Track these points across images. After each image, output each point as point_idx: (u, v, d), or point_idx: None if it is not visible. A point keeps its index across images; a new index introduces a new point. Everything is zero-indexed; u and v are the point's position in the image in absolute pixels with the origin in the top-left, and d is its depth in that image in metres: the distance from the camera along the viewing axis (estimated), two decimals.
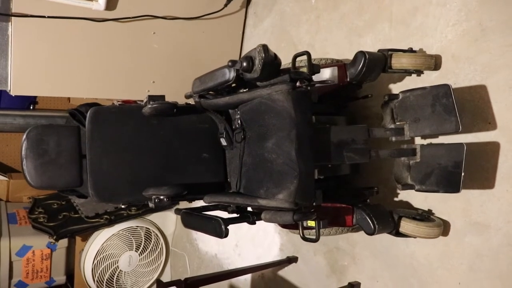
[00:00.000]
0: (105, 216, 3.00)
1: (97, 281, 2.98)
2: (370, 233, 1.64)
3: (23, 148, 1.54)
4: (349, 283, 2.04)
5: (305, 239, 1.61)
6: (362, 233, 1.97)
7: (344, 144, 1.60)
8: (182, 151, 1.73)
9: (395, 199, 1.92)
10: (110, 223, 3.00)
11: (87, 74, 2.26)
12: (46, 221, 2.88)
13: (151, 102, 1.60)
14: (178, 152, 1.72)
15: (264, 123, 1.54)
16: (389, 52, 1.74)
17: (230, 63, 1.44)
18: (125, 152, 1.65)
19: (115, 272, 3.05)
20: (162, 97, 1.64)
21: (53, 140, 1.58)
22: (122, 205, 1.66)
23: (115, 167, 1.63)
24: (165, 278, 3.32)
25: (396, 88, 1.92)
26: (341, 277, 2.13)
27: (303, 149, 1.45)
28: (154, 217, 3.25)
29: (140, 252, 3.12)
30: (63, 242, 2.97)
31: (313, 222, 1.55)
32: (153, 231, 3.16)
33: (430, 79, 1.79)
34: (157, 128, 1.69)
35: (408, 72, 1.78)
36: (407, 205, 1.89)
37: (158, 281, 2.00)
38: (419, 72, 1.80)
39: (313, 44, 2.30)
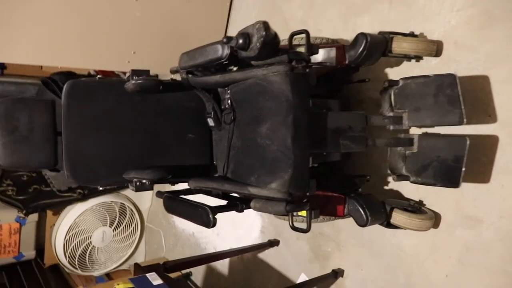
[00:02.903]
0: (78, 191, 2.84)
1: (69, 256, 2.84)
2: (363, 224, 1.56)
3: None
4: (333, 270, 1.98)
5: (294, 228, 1.52)
6: (347, 219, 1.90)
7: (341, 131, 1.50)
8: (166, 130, 1.59)
9: (385, 187, 1.85)
10: (84, 197, 2.85)
11: (62, 41, 2.06)
12: (15, 194, 2.71)
13: (134, 77, 1.45)
14: (162, 132, 1.58)
15: (258, 105, 1.41)
16: (390, 35, 1.63)
17: (225, 40, 1.30)
18: (104, 130, 1.50)
19: (88, 247, 2.92)
20: (147, 72, 1.48)
21: (24, 115, 1.41)
22: (101, 187, 1.52)
23: (93, 147, 1.48)
24: (139, 255, 3.22)
25: (393, 73, 1.82)
26: (324, 263, 2.07)
27: (300, 136, 1.34)
28: (130, 192, 3.11)
29: (114, 228, 2.99)
30: (33, 216, 2.81)
31: (305, 211, 1.46)
32: (128, 207, 3.02)
33: (429, 65, 1.70)
34: (140, 105, 1.54)
35: (408, 57, 1.68)
36: (398, 194, 1.82)
37: (135, 265, 1.89)
38: (418, 58, 1.70)
39: (305, 21, 2.16)
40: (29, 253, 2.94)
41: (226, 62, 1.40)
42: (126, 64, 2.23)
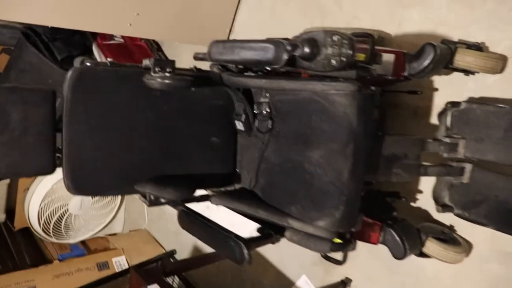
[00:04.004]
0: (57, 154, 2.49)
1: (43, 224, 2.54)
2: (400, 258, 1.37)
3: None
4: (342, 281, 1.81)
5: (328, 258, 1.32)
6: None
7: (396, 158, 1.27)
8: (187, 132, 1.30)
9: (412, 204, 1.66)
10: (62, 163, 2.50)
11: None
12: None
13: (158, 72, 1.13)
14: (182, 134, 1.29)
15: (309, 124, 1.14)
16: (455, 46, 1.36)
17: (289, 47, 0.99)
18: (115, 131, 1.19)
19: (64, 215, 2.62)
20: (172, 63, 1.16)
21: (17, 110, 1.07)
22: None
23: (101, 151, 1.17)
24: (118, 223, 2.95)
25: (441, 83, 1.56)
26: (330, 268, 1.90)
27: (357, 169, 1.10)
28: None
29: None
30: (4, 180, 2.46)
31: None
32: None
33: (487, 81, 1.46)
34: (158, 102, 1.23)
35: (467, 72, 1.43)
36: (425, 214, 1.63)
37: (133, 268, 1.64)
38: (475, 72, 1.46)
39: (341, 3, 1.84)
40: None
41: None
42: (127, 27, 1.84)
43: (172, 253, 2.52)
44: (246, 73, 1.23)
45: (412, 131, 1.62)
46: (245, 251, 1.11)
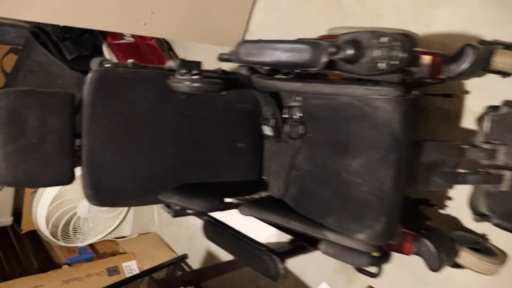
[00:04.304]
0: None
1: (51, 227, 2.45)
2: (435, 270, 1.29)
3: None
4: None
5: (361, 270, 1.24)
6: None
7: (434, 166, 1.18)
8: (213, 138, 1.21)
9: (441, 211, 1.57)
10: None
11: None
12: None
13: (185, 74, 1.04)
14: (207, 139, 1.20)
15: (347, 130, 1.06)
16: (493, 47, 1.28)
17: (333, 49, 0.91)
18: (138, 137, 1.10)
19: (72, 218, 2.53)
20: (198, 64, 1.07)
21: (34, 115, 0.98)
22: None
23: (123, 159, 1.09)
24: (126, 226, 2.86)
25: (474, 85, 1.48)
26: (352, 276, 1.82)
27: (400, 178, 1.02)
28: None
29: None
30: None
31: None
32: None
33: None
34: (183, 105, 1.15)
35: (504, 74, 1.35)
36: (455, 223, 1.55)
37: (151, 279, 1.56)
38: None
39: (363, 0, 1.75)
40: (5, 219, 2.51)
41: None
42: (141, 27, 1.75)
43: (184, 257, 2.42)
44: (276, 76, 1.15)
45: (443, 136, 1.53)
46: (280, 266, 1.03)
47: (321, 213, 1.11)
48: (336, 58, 0.94)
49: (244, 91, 1.21)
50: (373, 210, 1.03)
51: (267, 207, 1.16)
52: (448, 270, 1.55)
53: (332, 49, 0.91)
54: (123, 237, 2.85)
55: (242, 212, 1.17)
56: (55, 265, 2.52)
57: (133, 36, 2.26)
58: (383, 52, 0.89)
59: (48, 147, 1.00)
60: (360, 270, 1.22)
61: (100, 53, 2.16)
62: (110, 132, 1.06)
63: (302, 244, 1.13)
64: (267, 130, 1.24)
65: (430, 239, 1.29)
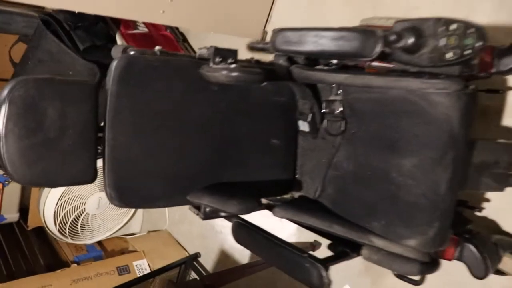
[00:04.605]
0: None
1: (59, 224, 2.35)
2: (481, 277, 1.18)
3: (1, 118, 0.84)
4: None
5: (401, 278, 1.14)
6: None
7: (486, 166, 1.08)
8: (246, 133, 1.11)
9: (479, 214, 1.47)
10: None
11: None
12: None
13: (219, 63, 0.93)
14: (241, 135, 1.10)
15: (397, 127, 0.95)
16: None
17: (393, 37, 0.80)
18: (166, 132, 1.00)
19: (81, 215, 2.42)
20: (234, 53, 0.97)
21: (54, 106, 0.87)
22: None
23: (150, 156, 0.98)
24: (136, 223, 2.76)
25: None
26: (377, 280, 1.72)
27: (456, 179, 0.91)
28: None
29: None
30: None
31: None
32: None
33: None
34: (216, 98, 1.04)
35: None
36: (493, 225, 1.45)
37: (170, 283, 1.46)
38: None
39: None
40: (12, 215, 2.41)
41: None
42: (160, 15, 1.64)
43: (196, 256, 2.32)
44: (318, 67, 1.04)
45: (481, 133, 1.43)
46: (324, 274, 0.93)
47: (365, 217, 1.01)
48: (394, 47, 0.83)
49: (280, 83, 1.11)
50: (425, 214, 0.93)
51: (304, 209, 1.05)
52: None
53: (393, 37, 0.80)
54: (132, 234, 2.75)
55: (276, 214, 1.06)
56: (63, 263, 2.42)
57: (147, 26, 2.15)
58: (451, 41, 0.79)
59: (68, 142, 0.90)
60: (401, 277, 1.12)
61: (113, 43, 2.05)
62: (136, 126, 0.95)
63: (343, 250, 1.03)
64: (303, 126, 1.14)
65: (474, 244, 1.18)
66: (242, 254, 2.18)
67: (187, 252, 2.44)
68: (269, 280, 2.05)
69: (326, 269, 0.93)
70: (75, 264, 2.28)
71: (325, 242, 1.76)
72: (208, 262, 2.33)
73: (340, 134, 1.08)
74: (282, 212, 1.05)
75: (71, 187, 2.29)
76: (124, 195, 0.96)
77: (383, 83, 0.93)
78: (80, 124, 0.91)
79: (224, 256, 2.29)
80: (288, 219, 1.08)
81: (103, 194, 2.46)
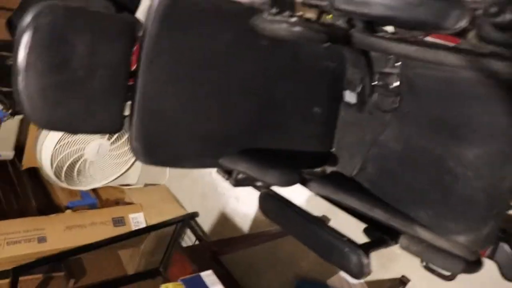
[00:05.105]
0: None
1: (55, 167, 2.23)
2: (510, 279, 1.12)
3: (23, 47, 0.70)
4: (402, 277, 1.58)
5: (431, 270, 1.06)
6: None
7: None
8: (290, 97, 0.99)
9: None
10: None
11: None
12: None
13: (275, 13, 0.81)
14: (284, 99, 0.98)
15: (462, 111, 0.85)
16: None
17: (494, 8, 0.68)
18: (204, 86, 0.88)
19: (79, 160, 2.31)
20: (292, 4, 0.85)
21: (84, 42, 0.74)
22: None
23: (184, 110, 0.87)
24: (133, 174, 2.65)
25: None
26: (386, 263, 1.66)
27: None
28: None
29: (113, 142, 2.38)
30: None
31: None
32: None
33: None
34: (264, 55, 0.92)
35: None
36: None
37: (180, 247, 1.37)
38: None
39: None
40: (7, 153, 2.28)
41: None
42: None
43: (194, 215, 2.24)
44: (381, 34, 0.92)
45: None
46: (365, 262, 0.84)
47: (411, 204, 0.92)
48: (488, 21, 0.71)
49: (331, 48, 0.98)
50: (481, 210, 0.84)
51: (343, 188, 0.96)
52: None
53: (493, 9, 0.68)
54: (128, 185, 2.66)
55: (313, 189, 0.97)
56: (56, 207, 2.32)
57: None
58: None
59: (97, 85, 0.77)
60: (431, 270, 1.05)
61: None
62: (173, 74, 0.83)
63: (382, 237, 0.94)
64: (350, 97, 1.03)
65: (509, 244, 1.12)
66: (243, 220, 2.11)
67: (185, 210, 2.36)
68: (270, 250, 1.99)
69: (368, 256, 0.85)
70: (70, 210, 2.19)
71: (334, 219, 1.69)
72: (206, 223, 2.26)
73: (392, 111, 0.97)
74: (320, 188, 0.96)
75: None
76: (152, 150, 0.85)
77: (459, 62, 0.81)
78: (111, 66, 0.78)
79: (223, 219, 2.22)
80: (323, 196, 0.98)
81: (103, 141, 2.34)
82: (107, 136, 2.32)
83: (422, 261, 0.99)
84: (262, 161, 0.87)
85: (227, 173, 0.94)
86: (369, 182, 1.01)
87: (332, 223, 1.82)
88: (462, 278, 1.43)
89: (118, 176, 2.60)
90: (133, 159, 2.56)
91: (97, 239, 1.95)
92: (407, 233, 0.89)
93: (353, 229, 1.61)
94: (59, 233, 2.03)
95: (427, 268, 1.07)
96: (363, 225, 1.04)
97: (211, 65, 0.86)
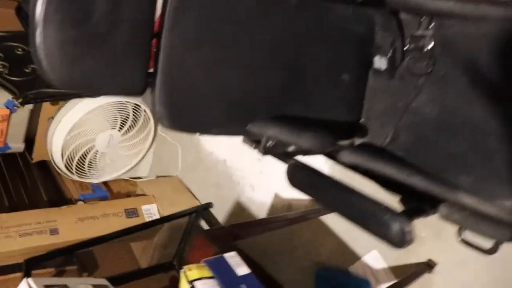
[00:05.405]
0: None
1: (66, 159, 2.19)
2: None
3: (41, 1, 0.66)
4: (428, 261, 1.52)
5: (468, 243, 1.00)
6: None
7: None
8: (318, 62, 0.94)
9: None
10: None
11: None
12: (8, 73, 1.94)
13: None
14: (312, 64, 0.93)
15: (509, 69, 0.79)
16: None
17: None
18: (232, 46, 0.83)
19: (90, 151, 2.26)
20: None
21: None
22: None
23: (210, 71, 0.82)
24: (144, 166, 2.61)
25: None
26: (411, 247, 1.59)
27: None
28: (147, 93, 2.39)
29: (124, 133, 2.33)
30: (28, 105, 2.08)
31: None
32: (144, 109, 2.34)
33: None
34: (293, 16, 0.86)
35: None
36: None
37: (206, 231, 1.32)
38: None
39: None
40: (17, 145, 2.24)
41: None
42: None
43: (208, 206, 2.18)
44: None
45: None
46: (408, 229, 0.79)
47: (450, 169, 0.86)
48: None
49: (360, 11, 0.93)
50: None
51: (376, 156, 0.90)
52: None
53: None
54: (139, 177, 2.61)
55: (345, 158, 0.91)
56: (67, 200, 2.28)
57: None
58: None
59: (119, 41, 0.73)
60: (469, 244, 0.99)
61: None
62: (200, 33, 0.78)
63: (420, 206, 0.89)
64: (380, 62, 0.97)
65: None
66: (259, 208, 2.05)
67: (199, 201, 2.31)
68: (286, 237, 1.93)
69: (410, 223, 0.79)
70: (81, 202, 2.14)
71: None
72: (220, 213, 2.21)
73: (425, 75, 0.92)
74: (352, 156, 0.90)
75: (84, 120, 2.12)
76: (177, 114, 0.80)
77: (504, 13, 0.76)
78: (135, 22, 0.73)
79: (239, 209, 2.16)
80: (353, 167, 0.93)
81: (114, 132, 2.30)
82: (118, 126, 2.28)
83: (460, 233, 0.94)
84: (294, 126, 0.82)
85: (255, 141, 0.88)
86: (403, 151, 0.95)
87: None
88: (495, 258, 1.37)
89: (130, 169, 2.55)
90: (144, 151, 2.52)
91: (109, 230, 1.90)
92: (448, 200, 0.84)
93: None
94: (71, 225, 1.98)
95: (465, 242, 1.01)
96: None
97: (240, 26, 0.81)
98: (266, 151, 0.85)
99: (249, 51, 0.84)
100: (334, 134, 0.94)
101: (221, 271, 1.08)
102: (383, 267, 1.66)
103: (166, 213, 2.17)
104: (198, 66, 0.80)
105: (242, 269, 1.11)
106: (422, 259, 1.56)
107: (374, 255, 1.68)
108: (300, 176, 0.93)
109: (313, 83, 0.93)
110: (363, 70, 1.00)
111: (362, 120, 1.04)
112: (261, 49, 0.85)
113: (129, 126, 2.35)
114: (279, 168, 1.92)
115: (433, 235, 1.54)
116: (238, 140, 2.17)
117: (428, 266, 1.51)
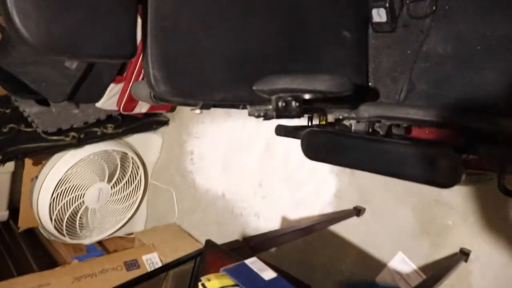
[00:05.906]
0: (72, 134, 1.99)
1: (55, 220, 2.01)
2: None
3: None
4: (461, 251, 1.38)
5: (508, 192, 0.89)
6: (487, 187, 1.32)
7: None
8: (317, 18, 0.86)
9: None
10: (79, 143, 1.99)
11: None
12: None
13: None
14: (312, 19, 0.85)
15: None
16: None
17: None
18: (226, 3, 0.75)
19: (79, 208, 2.10)
20: None
21: None
22: (201, 106, 0.76)
23: (205, 28, 0.73)
24: (139, 219, 2.43)
25: None
26: (438, 239, 1.46)
27: None
28: (135, 139, 2.29)
29: (113, 185, 2.19)
30: (8, 166, 1.93)
31: None
32: (132, 158, 2.21)
33: None
34: None
35: None
36: None
37: (208, 242, 1.17)
38: None
39: None
40: (0, 213, 2.06)
41: None
42: None
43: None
44: None
45: None
46: (458, 163, 0.67)
47: (480, 101, 0.77)
48: None
49: None
50: None
51: (402, 104, 0.81)
52: None
53: None
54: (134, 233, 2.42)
55: (363, 113, 0.82)
56: (60, 265, 2.07)
57: None
58: None
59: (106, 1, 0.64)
60: (508, 193, 0.87)
61: None
62: None
63: (459, 146, 0.78)
64: (379, 15, 0.91)
65: None
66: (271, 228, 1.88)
67: (201, 244, 2.13)
68: (304, 260, 1.76)
69: (459, 157, 0.68)
70: (76, 260, 1.94)
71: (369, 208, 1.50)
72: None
73: (431, 14, 0.86)
74: (371, 110, 0.80)
75: (68, 175, 1.97)
76: (173, 77, 0.70)
77: None
78: None
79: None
80: (374, 118, 0.83)
81: (103, 185, 2.15)
82: (106, 178, 2.13)
83: (501, 177, 0.82)
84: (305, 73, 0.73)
85: (263, 111, 0.78)
86: (423, 99, 0.86)
87: (367, 213, 1.63)
88: None
89: (124, 224, 2.37)
90: (136, 203, 2.36)
91: (110, 286, 1.70)
92: (488, 128, 0.73)
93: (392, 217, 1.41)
94: (67, 286, 1.77)
95: (505, 190, 0.90)
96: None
97: None
98: (278, 114, 0.75)
99: (245, 6, 0.76)
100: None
101: (246, 278, 0.92)
102: (412, 268, 1.50)
103: (169, 260, 1.98)
104: (190, 23, 0.71)
105: (268, 273, 0.95)
106: (454, 250, 1.42)
107: (401, 258, 1.52)
108: (318, 141, 0.83)
109: (315, 41, 0.85)
110: (363, 28, 0.94)
111: (370, 84, 0.96)
112: (258, 5, 0.77)
113: (118, 177, 2.20)
114: (282, 189, 1.79)
115: (461, 221, 1.41)
116: (235, 169, 2.03)
117: (463, 254, 1.37)
